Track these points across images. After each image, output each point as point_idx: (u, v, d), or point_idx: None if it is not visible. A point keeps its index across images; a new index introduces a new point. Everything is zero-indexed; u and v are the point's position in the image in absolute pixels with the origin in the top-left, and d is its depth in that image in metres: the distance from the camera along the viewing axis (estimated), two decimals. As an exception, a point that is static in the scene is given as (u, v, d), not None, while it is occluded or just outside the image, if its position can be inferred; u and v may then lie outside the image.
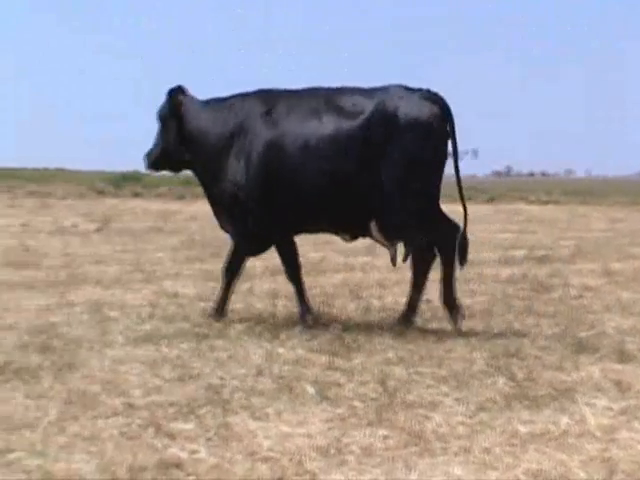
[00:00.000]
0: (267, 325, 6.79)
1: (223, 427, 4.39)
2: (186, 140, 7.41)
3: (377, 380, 5.31)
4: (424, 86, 6.90)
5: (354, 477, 3.80)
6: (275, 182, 6.93)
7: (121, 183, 31.93)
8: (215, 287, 8.11)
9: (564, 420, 4.57)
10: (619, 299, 8.58)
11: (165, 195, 29.17)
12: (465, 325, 7.01)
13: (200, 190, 7.99)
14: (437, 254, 6.90)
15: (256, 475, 3.79)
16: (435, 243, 6.88)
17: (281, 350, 6.04)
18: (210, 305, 7.46)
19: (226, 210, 7.25)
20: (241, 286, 8.78)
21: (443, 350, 6.16)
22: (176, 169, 7.81)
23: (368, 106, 6.77)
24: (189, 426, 4.41)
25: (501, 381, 5.32)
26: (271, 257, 9.96)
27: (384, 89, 6.90)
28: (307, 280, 8.07)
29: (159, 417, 4.53)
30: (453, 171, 7.02)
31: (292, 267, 7.28)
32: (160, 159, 7.59)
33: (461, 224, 6.86)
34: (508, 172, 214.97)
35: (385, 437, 4.29)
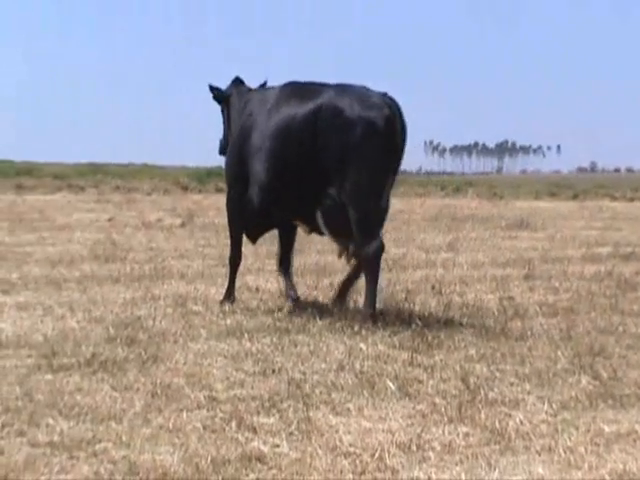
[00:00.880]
0: (348, 321, 6.80)
1: (304, 422, 4.41)
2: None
3: (458, 377, 5.28)
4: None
5: (435, 474, 3.79)
6: (243, 166, 7.47)
7: (205, 179, 32.18)
8: (297, 282, 8.15)
9: (650, 420, 4.49)
10: None
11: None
12: (548, 323, 6.93)
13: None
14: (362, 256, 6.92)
15: (337, 470, 3.80)
16: (363, 248, 6.87)
17: (362, 346, 6.05)
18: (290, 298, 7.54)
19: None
20: (322, 281, 8.82)
21: (526, 348, 6.10)
22: None
23: (319, 101, 7.00)
24: (271, 420, 4.45)
25: (585, 380, 5.25)
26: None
27: (342, 87, 7.11)
28: (389, 276, 8.06)
29: (242, 411, 4.57)
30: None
31: (234, 253, 7.78)
32: (225, 146, 8.09)
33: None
34: (593, 168, 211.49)
35: (466, 434, 4.27)
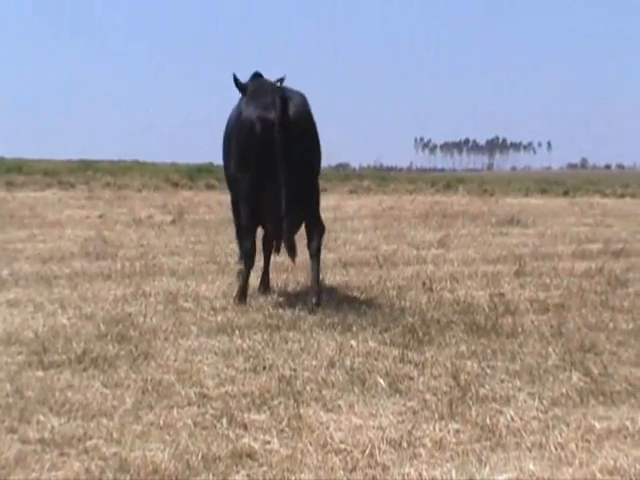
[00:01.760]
0: (339, 317, 6.80)
1: (295, 418, 4.42)
2: None
3: (449, 373, 5.29)
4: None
5: (426, 470, 3.79)
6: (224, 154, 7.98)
7: (196, 175, 32.11)
8: (289, 279, 8.16)
9: (641, 417, 4.50)
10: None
11: (239, 187, 29.19)
12: (539, 319, 6.95)
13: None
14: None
15: (328, 467, 3.81)
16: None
17: (353, 342, 6.05)
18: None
19: None
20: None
21: (516, 344, 6.11)
22: None
23: (264, 98, 7.38)
24: (262, 417, 4.45)
25: (575, 376, 5.26)
26: (343, 250, 10.01)
27: (279, 88, 7.63)
28: (379, 273, 8.05)
29: (232, 407, 4.58)
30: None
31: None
32: None
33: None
34: (584, 164, 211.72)
35: (457, 431, 4.28)
